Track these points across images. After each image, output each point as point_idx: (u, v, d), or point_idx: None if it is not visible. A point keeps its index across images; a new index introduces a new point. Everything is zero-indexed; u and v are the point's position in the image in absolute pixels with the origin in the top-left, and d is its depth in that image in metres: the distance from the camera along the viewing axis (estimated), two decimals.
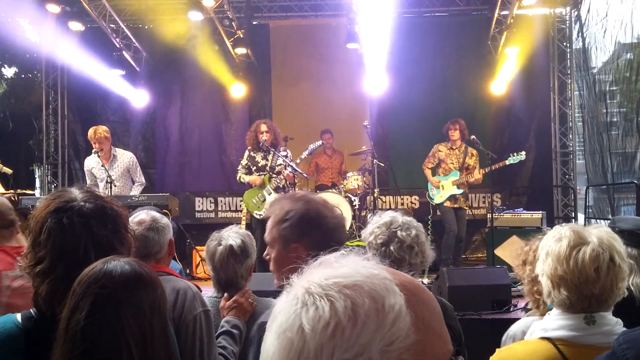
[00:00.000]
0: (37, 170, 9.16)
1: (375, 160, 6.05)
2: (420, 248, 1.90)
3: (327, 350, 0.53)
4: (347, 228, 5.36)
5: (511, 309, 3.73)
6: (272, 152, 5.28)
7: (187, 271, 5.90)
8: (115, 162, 5.41)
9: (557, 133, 7.84)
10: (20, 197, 5.24)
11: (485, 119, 7.68)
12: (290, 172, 5.18)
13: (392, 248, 1.86)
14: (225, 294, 2.04)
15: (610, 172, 6.75)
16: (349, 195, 6.09)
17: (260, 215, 5.28)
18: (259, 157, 5.36)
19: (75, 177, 8.12)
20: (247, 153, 5.44)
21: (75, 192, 1.32)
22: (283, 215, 1.42)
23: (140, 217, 2.02)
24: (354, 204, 6.04)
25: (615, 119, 6.84)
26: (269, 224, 1.46)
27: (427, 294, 0.64)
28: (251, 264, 2.18)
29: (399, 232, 1.88)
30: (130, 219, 1.96)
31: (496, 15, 7.19)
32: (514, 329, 1.83)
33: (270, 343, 0.56)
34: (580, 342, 1.31)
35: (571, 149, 7.91)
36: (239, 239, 2.11)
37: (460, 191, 5.77)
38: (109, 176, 5.09)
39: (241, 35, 7.29)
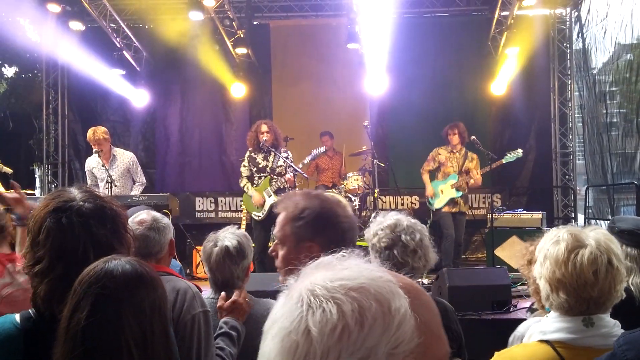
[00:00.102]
0: (37, 169, 9.17)
1: (375, 160, 6.04)
2: (424, 252, 1.89)
3: (333, 353, 0.53)
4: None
5: (511, 309, 3.73)
6: (272, 153, 5.27)
7: (187, 271, 5.91)
8: (115, 162, 5.41)
9: (557, 133, 7.84)
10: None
11: (486, 120, 7.68)
12: (290, 175, 5.16)
13: (395, 252, 1.85)
14: (223, 294, 2.03)
15: (610, 173, 6.76)
16: (349, 195, 6.09)
17: (259, 216, 5.27)
18: (259, 157, 5.36)
19: (75, 177, 8.12)
20: (247, 154, 5.43)
21: (75, 192, 1.32)
22: (298, 213, 1.37)
23: (141, 216, 2.03)
24: (354, 204, 6.04)
25: (615, 120, 6.85)
26: (280, 220, 1.41)
27: (427, 296, 0.65)
28: (248, 265, 2.17)
29: (403, 236, 1.87)
30: (130, 218, 1.97)
31: (496, 15, 7.19)
32: (521, 329, 1.82)
33: (273, 346, 0.56)
34: (578, 344, 1.31)
35: (571, 149, 7.91)
36: (234, 240, 2.11)
37: (460, 193, 5.72)
38: (110, 176, 5.09)
39: (242, 35, 7.29)
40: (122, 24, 7.31)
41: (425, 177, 5.90)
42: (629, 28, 6.29)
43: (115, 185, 5.19)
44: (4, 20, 7.72)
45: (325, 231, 1.36)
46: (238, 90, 7.64)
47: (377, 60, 6.97)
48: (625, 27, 6.34)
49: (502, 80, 7.34)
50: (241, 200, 5.75)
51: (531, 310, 2.33)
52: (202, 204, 7.92)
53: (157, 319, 1.13)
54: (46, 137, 8.23)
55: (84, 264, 1.18)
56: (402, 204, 7.60)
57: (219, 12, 7.12)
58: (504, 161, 5.70)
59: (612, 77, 6.86)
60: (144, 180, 5.63)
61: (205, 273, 2.26)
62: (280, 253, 1.40)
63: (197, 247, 5.90)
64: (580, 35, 7.53)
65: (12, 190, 2.13)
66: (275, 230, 1.42)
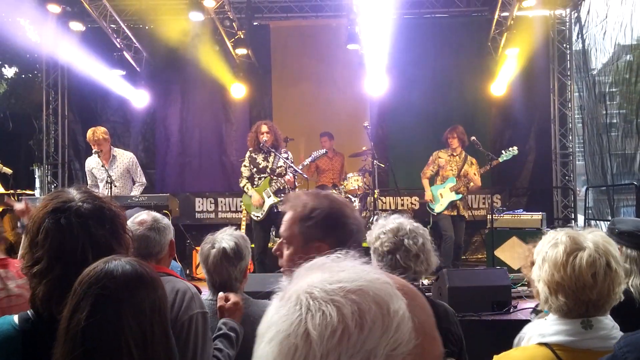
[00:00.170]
0: (37, 170, 9.17)
1: (375, 161, 6.04)
2: (426, 256, 1.89)
3: (333, 356, 0.53)
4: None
5: (511, 310, 3.73)
6: (272, 154, 5.27)
7: (187, 272, 5.91)
8: (114, 162, 5.41)
9: (557, 134, 7.84)
10: (20, 197, 5.24)
11: (485, 120, 7.68)
12: (290, 176, 5.16)
13: (398, 256, 1.85)
14: (221, 294, 2.03)
15: (610, 174, 6.76)
16: (349, 196, 6.09)
17: (258, 216, 5.27)
18: (259, 158, 5.35)
19: (75, 178, 8.12)
20: (248, 154, 5.43)
21: (73, 193, 1.32)
22: (308, 213, 1.35)
23: (141, 217, 2.03)
24: (354, 205, 6.04)
25: (614, 121, 6.85)
26: (287, 220, 1.39)
27: (422, 298, 0.65)
28: (245, 266, 2.17)
29: (406, 241, 1.86)
30: (130, 219, 1.97)
31: (496, 16, 7.20)
32: (526, 331, 1.81)
33: (270, 350, 0.55)
34: (577, 346, 1.32)
35: (571, 150, 7.91)
36: (232, 242, 2.10)
37: (459, 196, 5.70)
38: (109, 176, 5.09)
39: (242, 36, 7.30)
40: (122, 24, 7.31)
41: (425, 182, 5.89)
42: (628, 29, 6.29)
43: (115, 186, 5.18)
44: (4, 21, 7.73)
45: (334, 232, 1.35)
46: (238, 90, 7.65)
47: (377, 61, 6.97)
48: (625, 28, 6.35)
49: (502, 81, 7.35)
50: (241, 201, 5.75)
51: (536, 311, 2.33)
52: (202, 204, 7.92)
53: (157, 320, 1.13)
54: (46, 137, 8.23)
55: (82, 265, 1.18)
56: (402, 205, 7.60)
57: (219, 13, 7.13)
58: (500, 160, 5.69)
59: (612, 78, 6.86)
60: (143, 180, 5.63)
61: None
62: (286, 252, 1.39)
63: (196, 247, 5.90)
64: (580, 36, 7.53)
65: (11, 191, 2.14)
66: (282, 230, 1.40)
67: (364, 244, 2.08)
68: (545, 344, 1.35)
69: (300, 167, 5.30)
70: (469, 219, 6.06)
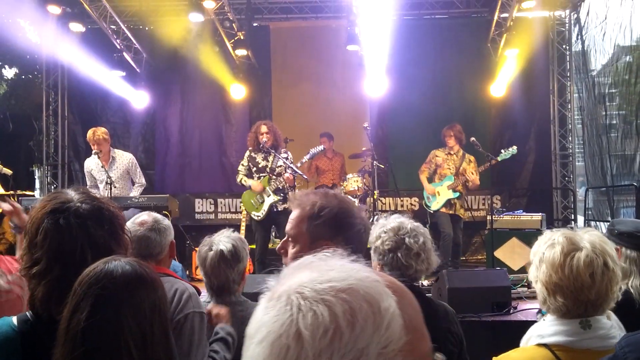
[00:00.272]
0: (37, 171, 9.17)
1: (375, 161, 6.04)
2: (427, 255, 1.90)
3: (325, 355, 0.53)
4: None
5: (511, 311, 3.72)
6: (272, 154, 5.27)
7: (187, 273, 5.90)
8: (114, 163, 5.41)
9: (557, 135, 7.85)
10: (20, 198, 5.24)
11: (485, 121, 7.68)
12: (290, 174, 5.16)
13: (399, 254, 1.85)
14: (211, 304, 2.02)
15: (610, 175, 6.76)
16: (349, 196, 6.09)
17: (258, 216, 5.26)
18: (259, 158, 5.35)
19: (75, 178, 8.11)
20: (247, 153, 5.43)
21: (72, 193, 1.32)
22: (316, 211, 1.34)
23: (142, 218, 2.03)
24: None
25: (614, 122, 6.85)
26: (295, 218, 1.37)
27: (411, 295, 0.65)
28: (243, 269, 2.16)
29: (407, 239, 1.87)
30: (131, 220, 1.97)
31: (496, 17, 7.20)
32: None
33: (261, 350, 0.55)
34: (576, 346, 1.32)
35: (571, 151, 7.91)
36: (229, 244, 2.10)
37: (457, 194, 5.72)
38: (109, 177, 5.09)
39: (242, 37, 7.30)
40: (122, 25, 7.31)
41: (423, 177, 5.92)
42: (628, 30, 6.30)
43: (115, 187, 5.18)
44: (4, 22, 7.73)
45: (342, 231, 1.34)
46: (238, 91, 7.65)
47: (376, 61, 6.97)
48: (624, 29, 6.35)
49: (502, 82, 7.35)
50: (241, 202, 5.75)
51: (542, 312, 2.33)
52: (202, 205, 7.92)
53: (157, 320, 1.13)
54: (46, 138, 8.23)
55: (81, 265, 1.18)
56: (402, 206, 7.60)
57: (219, 14, 7.13)
58: (499, 159, 5.69)
59: (612, 79, 6.87)
60: (143, 181, 5.63)
61: None
62: (292, 251, 1.37)
63: (196, 248, 5.86)
64: (579, 37, 7.54)
65: (11, 191, 2.13)
66: (288, 228, 1.38)
67: None
68: (545, 345, 1.35)
69: (298, 164, 5.30)
70: (467, 220, 6.06)
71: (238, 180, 5.42)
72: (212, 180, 8.01)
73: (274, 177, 5.25)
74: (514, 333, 1.78)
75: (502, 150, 5.77)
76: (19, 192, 5.53)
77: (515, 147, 5.76)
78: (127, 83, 7.67)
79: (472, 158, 5.86)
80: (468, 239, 7.38)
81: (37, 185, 9.12)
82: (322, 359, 0.53)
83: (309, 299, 0.55)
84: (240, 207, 6.53)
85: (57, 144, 8.23)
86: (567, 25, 7.87)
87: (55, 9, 6.73)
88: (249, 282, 2.75)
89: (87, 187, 5.35)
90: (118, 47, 7.48)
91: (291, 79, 7.92)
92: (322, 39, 7.81)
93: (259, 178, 5.31)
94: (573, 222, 7.33)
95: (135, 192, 5.46)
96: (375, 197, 5.99)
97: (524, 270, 4.84)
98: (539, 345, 1.36)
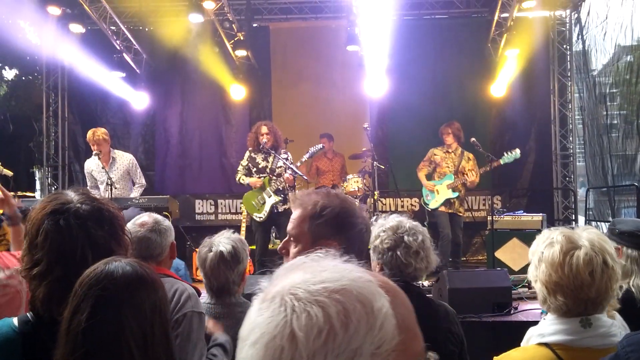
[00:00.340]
0: (37, 172, 9.18)
1: (375, 162, 6.04)
2: (426, 253, 1.91)
3: (319, 356, 0.53)
4: None
5: (512, 311, 3.72)
6: (272, 155, 5.27)
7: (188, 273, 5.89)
8: (114, 164, 5.41)
9: (557, 135, 7.84)
10: (20, 199, 5.23)
11: (485, 122, 7.68)
12: (290, 174, 5.16)
13: (398, 252, 1.86)
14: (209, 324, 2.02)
15: (611, 175, 6.75)
16: (349, 197, 6.08)
17: (260, 217, 5.26)
18: (259, 158, 5.35)
19: (75, 179, 8.11)
20: (247, 154, 5.43)
21: (71, 194, 1.32)
22: (318, 211, 1.34)
23: (142, 219, 2.03)
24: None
25: (615, 122, 6.84)
26: (296, 217, 1.37)
27: (403, 294, 0.65)
28: (243, 270, 2.16)
29: (405, 237, 1.88)
30: (131, 221, 1.97)
31: (496, 17, 7.20)
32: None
33: (255, 352, 0.55)
34: (577, 345, 1.32)
35: (571, 151, 7.90)
36: (229, 245, 2.10)
37: (456, 194, 5.69)
38: (109, 178, 5.09)
39: (241, 38, 7.30)
40: (122, 26, 7.32)
41: (421, 175, 5.90)
42: (629, 30, 6.29)
43: (115, 188, 5.18)
44: (4, 23, 7.73)
45: (344, 230, 1.34)
46: (238, 92, 7.65)
47: (376, 62, 6.97)
48: (625, 28, 6.35)
49: (502, 82, 7.35)
50: (241, 203, 5.75)
51: (542, 312, 2.33)
52: (202, 206, 7.92)
53: (158, 321, 1.13)
54: (46, 139, 8.23)
55: (82, 266, 1.18)
56: (402, 206, 7.60)
57: (218, 15, 7.13)
58: (501, 162, 5.65)
59: (612, 79, 6.86)
60: (143, 182, 5.63)
61: None
62: (293, 251, 1.36)
63: (196, 249, 5.87)
64: (580, 37, 7.53)
65: (12, 193, 2.12)
66: (289, 227, 1.38)
67: None
68: (545, 344, 1.35)
69: (298, 163, 5.30)
70: (467, 220, 6.04)
71: (237, 179, 5.43)
72: (212, 181, 8.01)
73: (274, 177, 5.25)
74: (515, 334, 1.77)
75: (505, 153, 5.70)
76: (19, 193, 5.53)
77: (518, 151, 5.69)
78: (127, 84, 7.67)
79: (471, 156, 5.83)
80: (468, 239, 7.37)
81: (38, 186, 9.12)
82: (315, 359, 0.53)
83: (302, 300, 0.55)
84: (241, 208, 6.53)
85: (58, 145, 8.23)
86: (567, 25, 7.87)
87: (55, 10, 6.73)
88: (249, 282, 2.75)
89: (88, 187, 5.36)
90: (118, 48, 7.49)
91: (291, 80, 7.92)
92: (322, 40, 7.81)
93: (259, 178, 5.31)
94: (574, 223, 7.33)
95: (136, 192, 5.47)
96: (375, 197, 5.99)
97: (524, 270, 4.83)
98: (540, 344, 1.36)
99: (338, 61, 7.66)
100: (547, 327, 1.37)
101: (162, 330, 1.14)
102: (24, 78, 9.51)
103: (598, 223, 6.96)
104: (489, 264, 5.54)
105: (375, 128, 7.56)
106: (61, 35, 7.26)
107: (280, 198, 5.18)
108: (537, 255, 1.41)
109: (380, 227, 1.93)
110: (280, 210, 5.19)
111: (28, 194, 6.11)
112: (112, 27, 7.36)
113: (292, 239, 1.38)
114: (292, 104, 7.85)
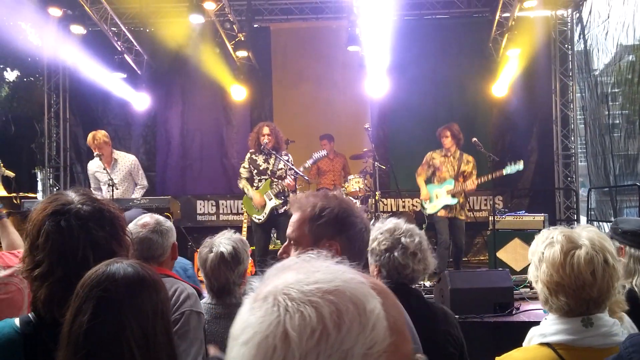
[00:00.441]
0: (39, 173, 9.19)
1: (376, 162, 6.03)
2: (423, 255, 1.91)
3: (311, 356, 0.53)
4: None
5: (513, 312, 3.71)
6: (273, 156, 5.26)
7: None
8: (116, 165, 5.42)
9: (559, 135, 7.83)
10: (22, 200, 5.24)
11: (487, 122, 7.67)
12: (291, 180, 5.13)
13: (396, 254, 1.87)
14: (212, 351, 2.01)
15: (613, 175, 6.74)
16: (351, 198, 6.08)
17: (260, 219, 5.26)
18: (260, 159, 5.35)
19: (77, 180, 8.13)
20: (248, 155, 5.42)
21: (72, 195, 1.32)
22: (317, 212, 1.35)
23: (144, 219, 2.03)
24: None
25: (617, 121, 6.82)
26: (295, 221, 1.38)
27: (394, 296, 0.66)
28: (244, 270, 2.17)
29: (402, 239, 1.88)
30: (133, 221, 1.97)
31: (497, 17, 7.19)
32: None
33: (247, 351, 0.55)
34: (579, 345, 1.31)
35: (573, 151, 7.89)
36: (230, 246, 2.10)
37: (455, 201, 5.53)
38: (111, 179, 5.10)
39: (242, 38, 7.30)
40: (123, 27, 7.32)
41: (420, 180, 5.73)
42: (630, 29, 6.27)
43: (117, 189, 5.19)
44: (5, 25, 7.75)
45: (344, 230, 1.35)
46: (239, 93, 7.65)
47: (377, 62, 6.96)
48: (627, 28, 6.33)
49: (504, 82, 7.34)
50: (242, 203, 5.75)
51: (543, 311, 2.32)
52: (204, 207, 7.93)
53: (159, 322, 1.13)
54: (48, 140, 8.24)
55: (83, 267, 1.17)
56: (404, 207, 7.59)
57: (219, 15, 7.13)
58: (504, 172, 5.48)
59: (614, 79, 6.85)
60: (145, 183, 5.63)
61: None
62: (294, 253, 1.36)
63: (198, 250, 5.88)
64: (581, 36, 7.52)
65: (14, 194, 2.13)
66: (289, 231, 1.39)
67: None
68: (547, 344, 1.34)
69: (301, 169, 5.29)
70: (469, 220, 5.98)
71: (240, 186, 5.39)
72: (213, 181, 8.01)
73: (275, 180, 5.24)
74: (517, 334, 1.77)
75: (508, 163, 5.52)
76: (21, 194, 5.54)
77: (521, 162, 5.50)
78: (128, 85, 7.68)
79: (470, 158, 5.65)
80: (470, 239, 7.36)
81: (40, 187, 9.14)
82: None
83: (296, 300, 0.55)
84: (242, 209, 6.53)
85: (59, 146, 8.25)
86: (569, 24, 7.86)
87: (56, 12, 6.75)
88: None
89: (91, 189, 5.37)
90: (119, 49, 7.50)
91: (292, 80, 7.92)
92: (323, 40, 7.81)
93: (260, 181, 5.30)
94: (576, 223, 7.31)
95: (137, 193, 5.47)
96: (377, 198, 5.98)
97: (526, 271, 4.80)
98: (542, 344, 1.36)
99: (339, 61, 7.66)
100: (549, 327, 1.37)
101: (164, 332, 1.14)
102: (25, 79, 9.54)
103: (600, 223, 6.95)
104: (491, 264, 5.53)
105: (376, 128, 7.56)
106: (62, 37, 7.27)
107: (280, 201, 5.18)
108: (538, 256, 1.40)
109: (377, 230, 1.94)
110: (280, 212, 5.19)
111: (30, 195, 6.11)
112: (113, 28, 7.37)
113: (292, 242, 1.39)
114: (293, 105, 7.85)
